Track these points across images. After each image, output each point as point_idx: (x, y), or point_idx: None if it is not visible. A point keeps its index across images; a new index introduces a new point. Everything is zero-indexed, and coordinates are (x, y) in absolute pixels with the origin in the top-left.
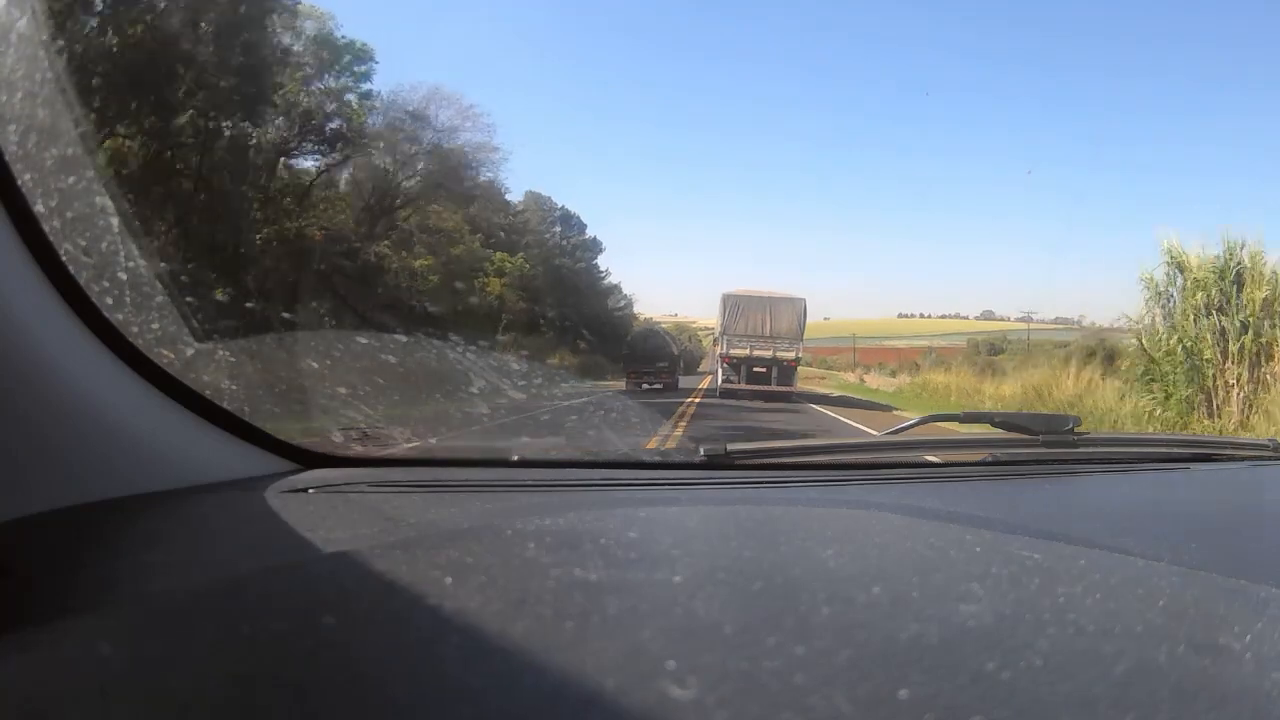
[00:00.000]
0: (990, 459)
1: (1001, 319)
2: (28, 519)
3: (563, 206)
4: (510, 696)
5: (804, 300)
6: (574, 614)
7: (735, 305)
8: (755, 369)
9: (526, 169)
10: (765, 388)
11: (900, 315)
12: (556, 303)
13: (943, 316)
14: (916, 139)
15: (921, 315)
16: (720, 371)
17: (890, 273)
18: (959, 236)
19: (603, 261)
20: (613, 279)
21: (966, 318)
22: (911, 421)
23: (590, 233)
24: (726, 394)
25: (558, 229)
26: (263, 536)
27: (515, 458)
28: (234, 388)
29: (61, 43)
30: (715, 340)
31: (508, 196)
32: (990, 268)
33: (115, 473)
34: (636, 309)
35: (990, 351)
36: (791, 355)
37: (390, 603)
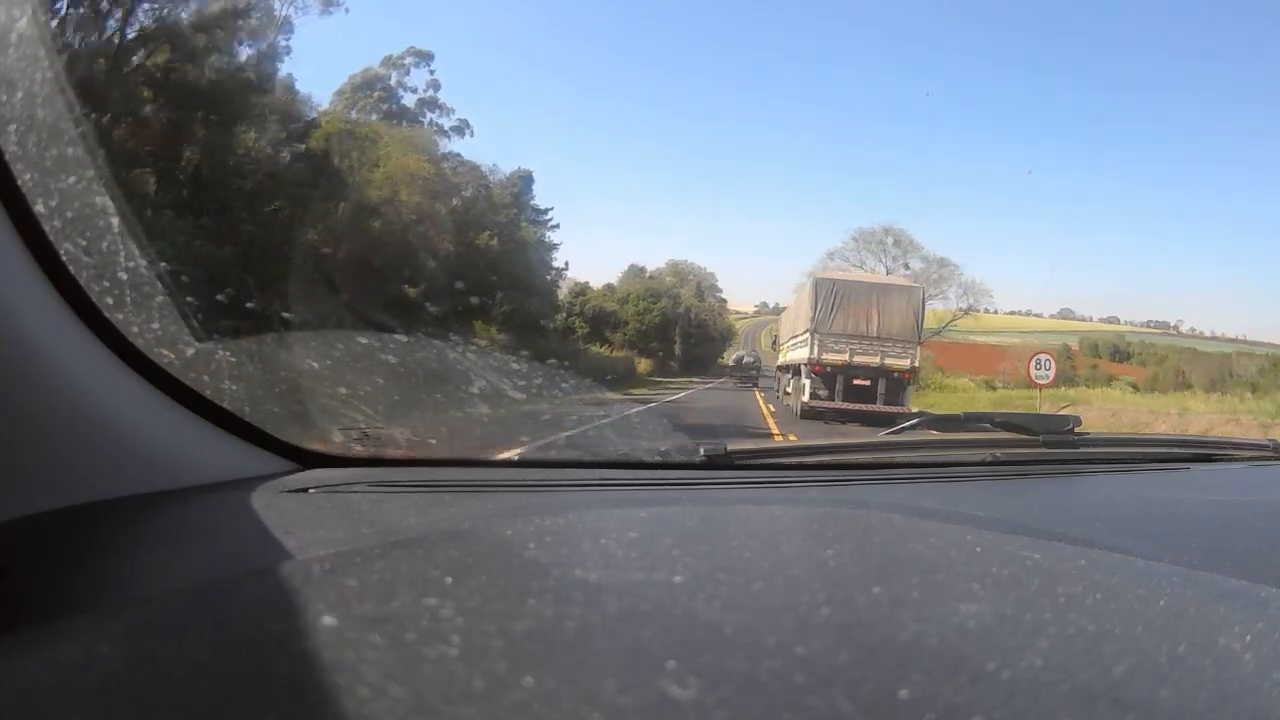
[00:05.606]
0: (990, 459)
1: (1082, 319)
2: (28, 519)
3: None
4: (510, 696)
5: (921, 290)
6: (574, 614)
7: (831, 293)
8: (855, 381)
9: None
10: (869, 407)
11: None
12: None
13: (1011, 313)
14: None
15: (985, 311)
16: (807, 385)
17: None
18: (1031, 229)
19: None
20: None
21: (1040, 315)
22: (911, 422)
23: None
24: (809, 414)
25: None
26: (263, 536)
27: (515, 458)
28: (234, 388)
29: (62, 42)
30: (775, 340)
31: None
32: (1066, 263)
33: (115, 472)
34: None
35: (1114, 355)
36: (905, 364)
37: (390, 603)
